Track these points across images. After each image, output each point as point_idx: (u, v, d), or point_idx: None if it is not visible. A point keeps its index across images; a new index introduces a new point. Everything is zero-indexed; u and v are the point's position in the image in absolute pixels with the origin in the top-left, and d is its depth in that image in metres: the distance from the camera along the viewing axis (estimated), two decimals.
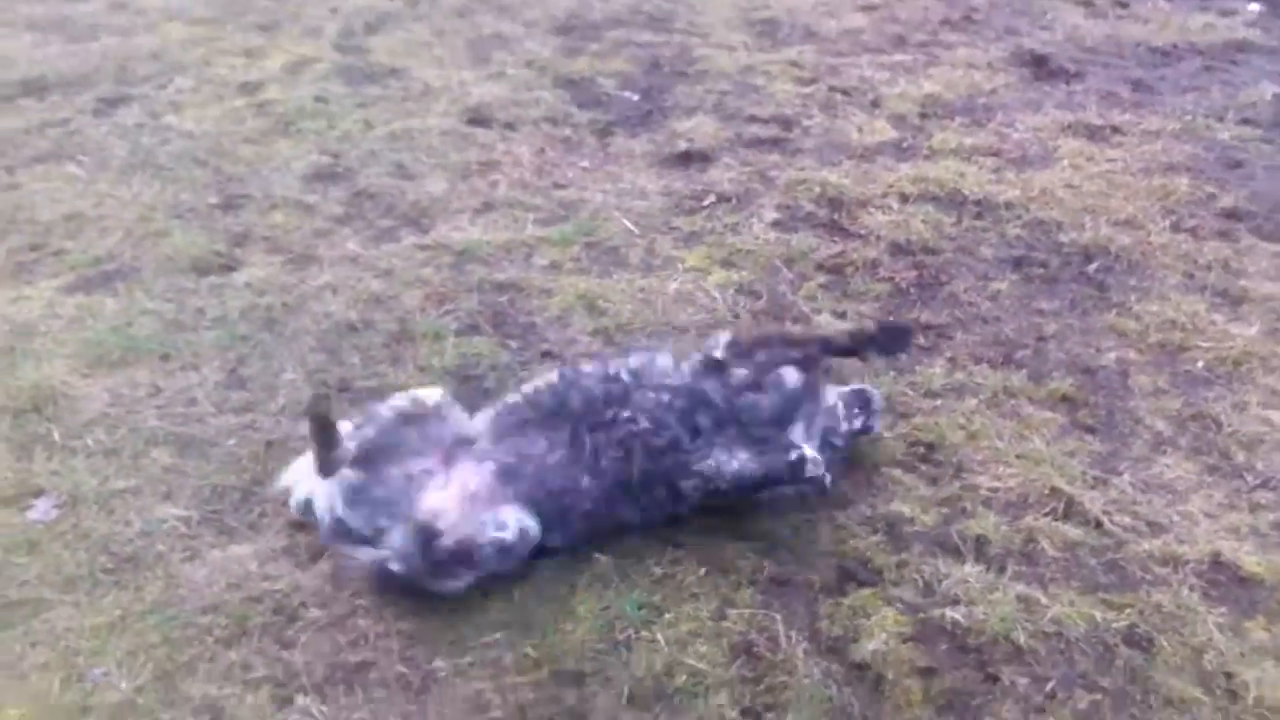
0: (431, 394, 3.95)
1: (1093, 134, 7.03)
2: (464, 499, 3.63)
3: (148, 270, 5.41)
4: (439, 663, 3.40)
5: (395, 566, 3.53)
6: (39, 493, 4.02)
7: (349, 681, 3.34)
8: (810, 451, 3.86)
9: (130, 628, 3.49)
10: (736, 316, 5.09)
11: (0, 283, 5.29)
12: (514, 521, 3.61)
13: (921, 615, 3.57)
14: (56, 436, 4.28)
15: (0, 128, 7.01)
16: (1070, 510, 4.01)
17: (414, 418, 3.82)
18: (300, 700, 3.27)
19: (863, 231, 5.86)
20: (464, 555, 3.54)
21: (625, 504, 3.80)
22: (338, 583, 3.67)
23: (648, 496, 3.81)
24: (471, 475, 3.69)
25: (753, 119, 7.25)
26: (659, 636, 3.47)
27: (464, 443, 3.82)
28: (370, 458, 3.68)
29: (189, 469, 4.14)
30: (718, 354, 4.08)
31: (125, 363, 4.71)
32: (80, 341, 4.83)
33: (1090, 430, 4.46)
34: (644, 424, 3.81)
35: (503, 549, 3.58)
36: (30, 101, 7.43)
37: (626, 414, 3.83)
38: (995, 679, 3.38)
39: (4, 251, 5.55)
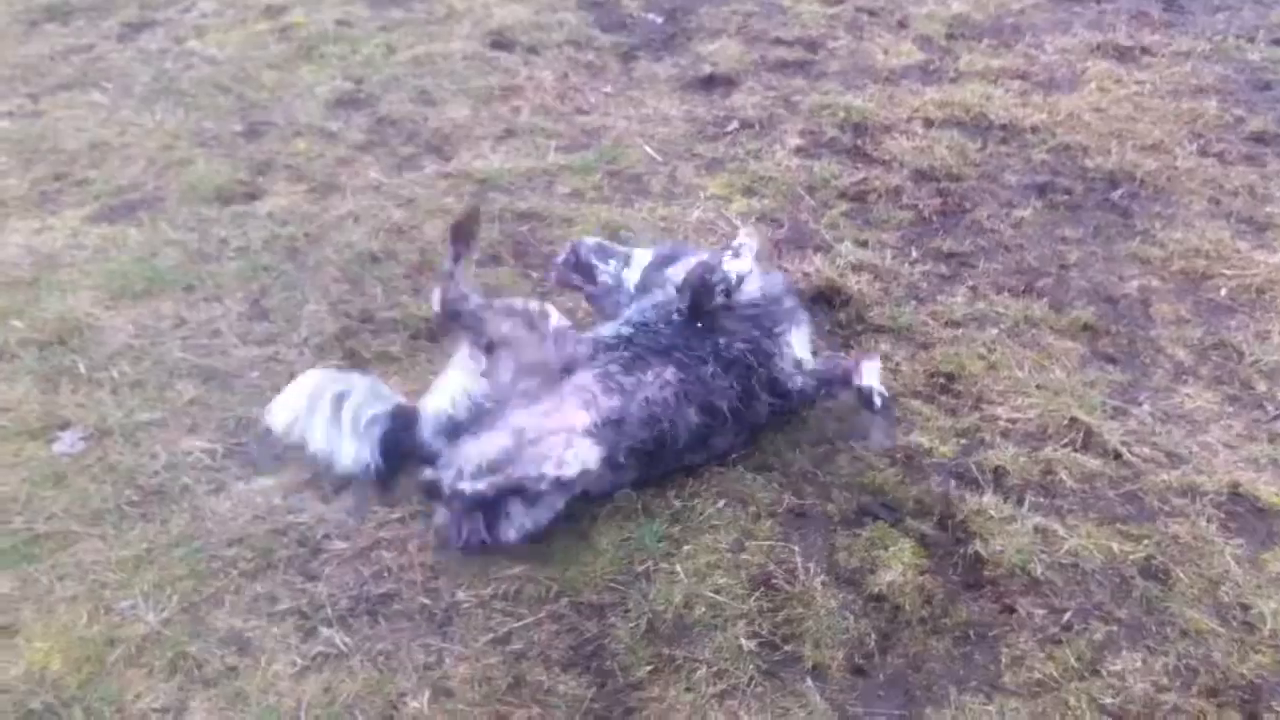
0: (555, 313, 3.93)
1: (1121, 55, 6.94)
2: (554, 428, 3.63)
3: (171, 200, 5.44)
4: (461, 594, 3.45)
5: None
6: (65, 425, 4.07)
7: (373, 613, 3.39)
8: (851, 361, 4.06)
9: (156, 560, 3.54)
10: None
11: (25, 213, 5.33)
12: (578, 459, 3.58)
13: (939, 547, 3.60)
14: (82, 368, 4.33)
15: (24, 54, 7.03)
16: (1089, 441, 4.01)
17: (538, 328, 3.81)
18: (324, 632, 3.32)
19: (886, 158, 5.82)
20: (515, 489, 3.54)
21: (719, 434, 3.86)
22: (360, 515, 3.72)
23: (741, 422, 3.88)
24: (572, 407, 3.68)
25: (778, 41, 7.19)
26: (678, 568, 3.51)
27: (570, 367, 3.78)
28: (492, 350, 3.74)
29: (213, 401, 4.19)
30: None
31: (149, 294, 4.76)
32: (105, 273, 4.87)
33: (1111, 360, 4.45)
34: (742, 345, 3.88)
35: (561, 484, 3.57)
36: (54, 26, 7.46)
37: (723, 340, 3.88)
38: (1012, 610, 3.40)
39: (28, 181, 5.59)
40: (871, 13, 7.60)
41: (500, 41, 7.17)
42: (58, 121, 6.17)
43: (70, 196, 5.47)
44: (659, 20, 7.57)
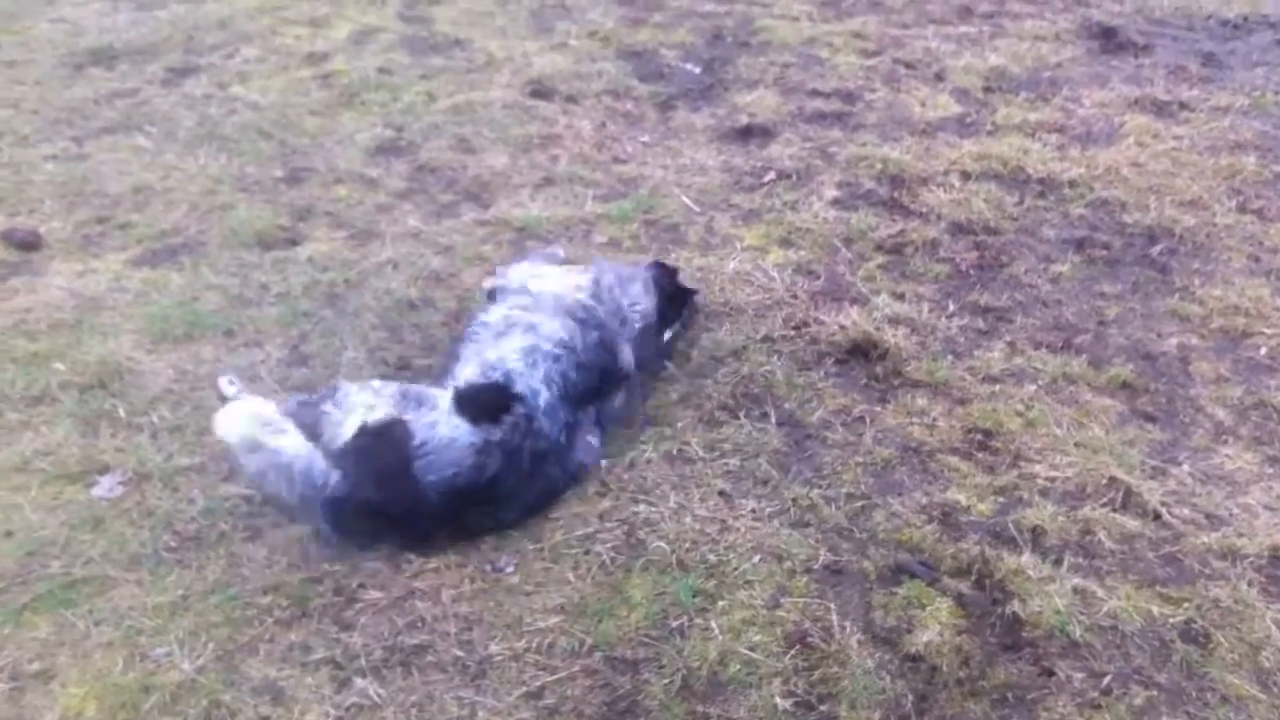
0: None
1: (1160, 110, 6.94)
2: None
3: (213, 244, 5.47)
4: (494, 647, 3.43)
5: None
6: (104, 469, 4.09)
7: (406, 664, 3.38)
8: None
9: (192, 607, 3.55)
10: (794, 297, 5.07)
11: (68, 255, 5.37)
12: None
13: (976, 607, 3.57)
14: (122, 412, 4.35)
15: (69, 97, 7.10)
16: (1129, 501, 3.98)
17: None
18: (358, 682, 3.31)
19: (923, 210, 5.82)
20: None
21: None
22: (396, 564, 3.71)
23: None
24: None
25: (815, 93, 7.22)
26: (713, 624, 3.49)
27: None
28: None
29: None
30: None
31: (190, 338, 4.78)
32: (146, 316, 4.90)
33: (1150, 418, 4.43)
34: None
35: None
36: (99, 70, 7.52)
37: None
38: (1050, 673, 3.36)
39: (72, 224, 5.63)
40: (909, 65, 7.62)
41: (539, 90, 7.22)
42: (101, 165, 6.22)
43: (113, 240, 5.51)
44: (697, 70, 7.61)
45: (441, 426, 3.73)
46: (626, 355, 4.34)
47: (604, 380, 4.20)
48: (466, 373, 3.97)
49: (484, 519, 3.83)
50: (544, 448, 3.86)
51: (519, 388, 3.89)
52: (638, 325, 4.49)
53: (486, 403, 3.82)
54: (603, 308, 4.38)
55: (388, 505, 3.69)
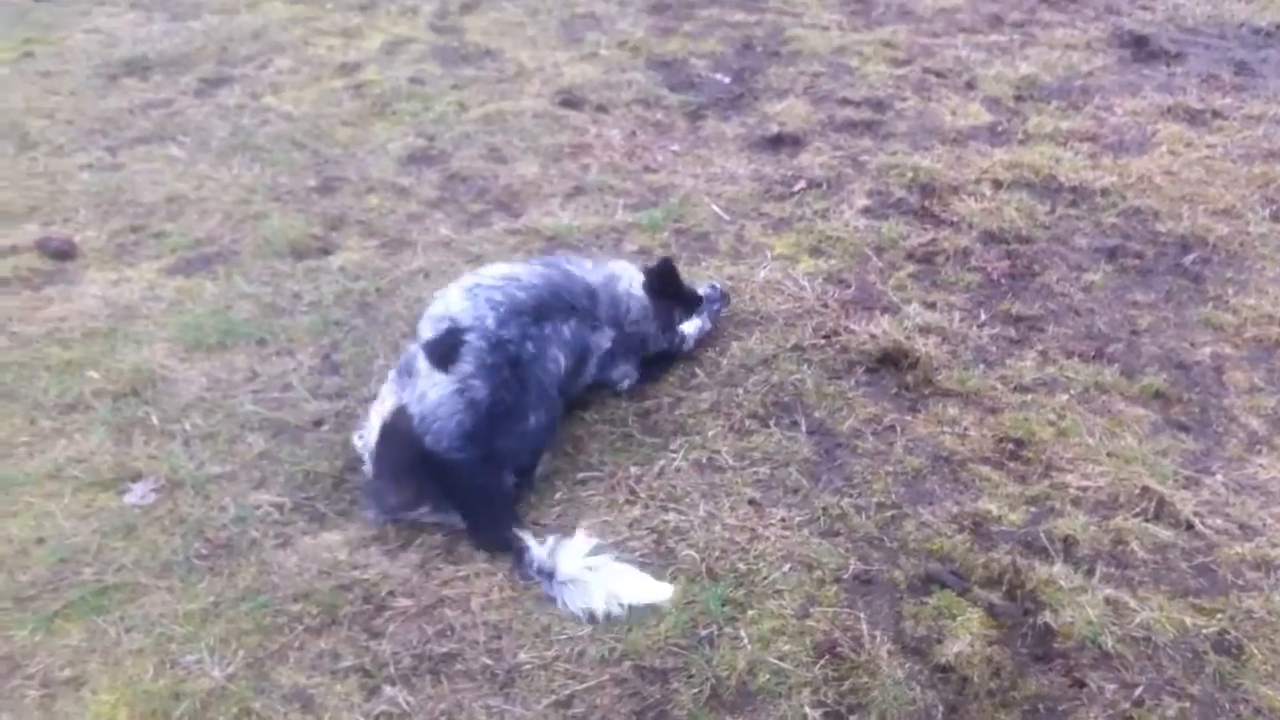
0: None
1: (1192, 118, 6.90)
2: None
3: (246, 253, 5.51)
4: (523, 656, 3.43)
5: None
6: (137, 476, 4.11)
7: (435, 672, 3.38)
8: None
9: (223, 614, 3.56)
10: (825, 306, 5.06)
11: (103, 264, 5.41)
12: None
13: (1007, 617, 3.54)
14: (155, 420, 4.38)
15: (104, 108, 7.16)
16: (1161, 511, 3.95)
17: None
18: (388, 690, 3.32)
19: (954, 219, 5.80)
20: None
21: None
22: (426, 572, 3.72)
23: None
24: None
25: (845, 101, 7.21)
26: (742, 633, 3.48)
27: None
28: None
29: (283, 455, 4.22)
30: None
31: (223, 347, 4.81)
32: (179, 325, 4.94)
33: (1183, 428, 4.40)
34: None
35: None
36: (133, 81, 7.60)
37: None
38: (1082, 684, 3.34)
39: (106, 233, 5.68)
40: (939, 74, 7.61)
41: (570, 100, 7.24)
42: (135, 175, 6.28)
43: (147, 249, 5.55)
44: (727, 80, 7.61)
45: (428, 392, 3.85)
46: (586, 277, 4.43)
47: (557, 298, 4.23)
48: (424, 332, 4.04)
49: (515, 441, 3.95)
50: (515, 352, 3.96)
51: (465, 322, 3.96)
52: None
53: (444, 349, 3.92)
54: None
55: (428, 493, 3.86)
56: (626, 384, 4.55)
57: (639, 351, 4.56)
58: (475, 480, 3.82)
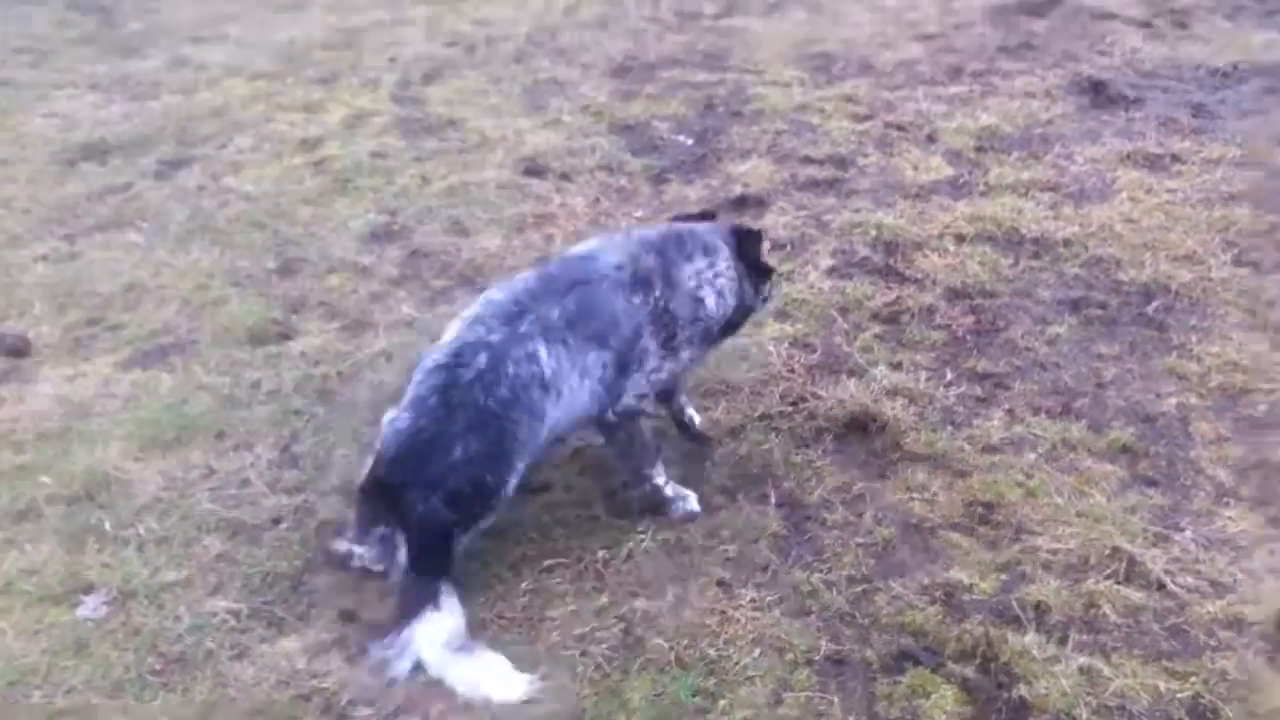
0: None
1: (1152, 163, 6.94)
2: None
3: (204, 342, 5.48)
4: None
5: None
6: (89, 588, 4.02)
7: None
8: None
9: None
10: (792, 371, 5.05)
11: (58, 361, 5.37)
12: None
13: (981, 692, 3.51)
14: (108, 526, 4.30)
15: (62, 194, 7.16)
16: (1132, 571, 3.93)
17: None
18: None
19: (918, 276, 5.81)
20: None
21: None
22: (385, 678, 3.65)
23: None
24: None
25: (808, 160, 7.24)
26: None
27: None
28: None
29: (240, 556, 4.14)
30: None
31: (180, 443, 4.75)
32: (135, 421, 4.88)
33: (1151, 483, 4.39)
34: None
35: None
36: (92, 165, 7.60)
37: None
38: None
39: (61, 327, 5.63)
40: (900, 128, 7.64)
41: (533, 168, 7.25)
42: (93, 264, 6.25)
43: (103, 342, 5.51)
44: (689, 141, 7.64)
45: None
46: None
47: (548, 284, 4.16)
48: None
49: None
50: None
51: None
52: None
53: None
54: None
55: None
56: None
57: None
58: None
